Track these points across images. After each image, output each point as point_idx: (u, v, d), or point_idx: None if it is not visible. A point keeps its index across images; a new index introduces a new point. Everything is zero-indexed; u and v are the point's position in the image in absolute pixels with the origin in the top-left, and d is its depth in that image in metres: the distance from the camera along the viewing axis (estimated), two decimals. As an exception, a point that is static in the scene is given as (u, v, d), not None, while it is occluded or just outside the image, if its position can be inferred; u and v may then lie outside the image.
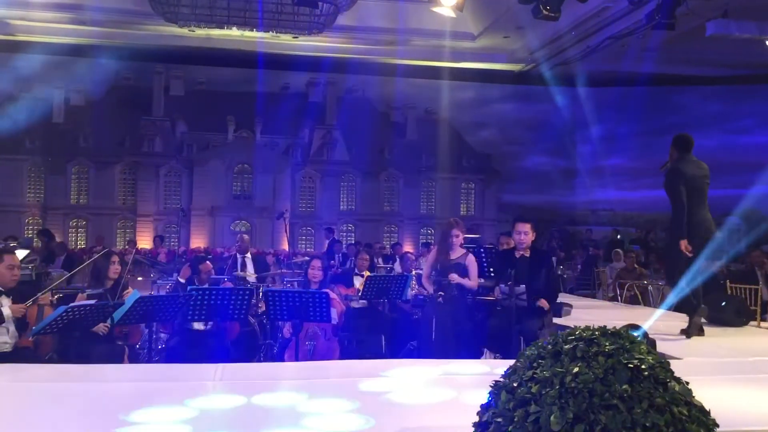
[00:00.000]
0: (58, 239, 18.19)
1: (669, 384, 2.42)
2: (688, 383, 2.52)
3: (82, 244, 19.65)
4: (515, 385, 2.55)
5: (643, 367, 2.41)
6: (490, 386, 2.72)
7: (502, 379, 2.70)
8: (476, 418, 2.78)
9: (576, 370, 2.42)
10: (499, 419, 2.53)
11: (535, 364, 2.57)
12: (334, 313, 6.06)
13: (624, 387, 2.35)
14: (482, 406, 2.73)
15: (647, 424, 2.29)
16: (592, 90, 20.46)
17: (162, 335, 6.86)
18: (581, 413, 2.32)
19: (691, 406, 2.42)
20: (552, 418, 2.34)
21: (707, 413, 2.47)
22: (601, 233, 19.96)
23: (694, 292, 6.25)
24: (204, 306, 5.69)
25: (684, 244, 6.02)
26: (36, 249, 11.71)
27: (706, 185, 6.35)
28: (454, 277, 6.12)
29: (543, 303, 6.08)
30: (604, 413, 2.31)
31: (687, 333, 6.30)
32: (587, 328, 2.64)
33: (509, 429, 2.47)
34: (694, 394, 2.47)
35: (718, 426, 2.48)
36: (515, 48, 17.88)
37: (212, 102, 20.13)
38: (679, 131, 19.27)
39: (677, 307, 6.87)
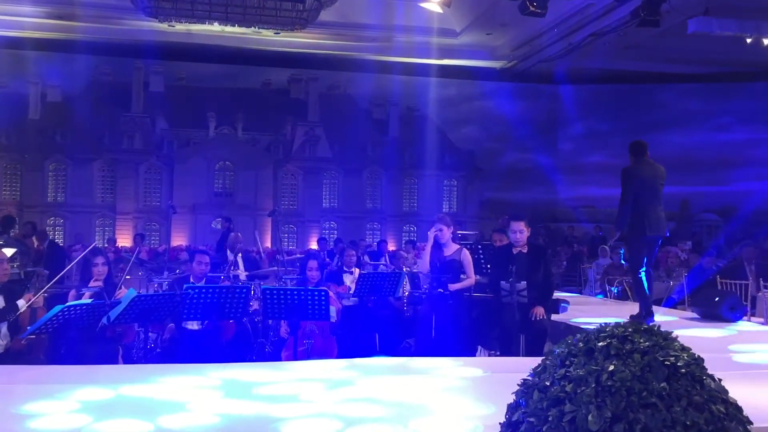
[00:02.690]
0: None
1: (705, 381, 2.39)
2: (721, 380, 2.49)
3: (59, 242, 19.33)
4: (547, 383, 2.50)
5: (679, 364, 2.37)
6: (518, 385, 2.67)
7: (530, 378, 2.65)
8: (495, 418, 2.74)
9: (611, 368, 2.38)
10: (532, 419, 2.48)
11: (567, 362, 2.52)
12: (333, 311, 5.98)
13: (662, 385, 2.31)
14: (510, 405, 2.67)
15: (687, 423, 2.25)
16: (574, 87, 20.59)
17: (151, 335, 6.74)
18: (619, 412, 2.28)
19: (728, 404, 2.39)
20: (589, 417, 2.29)
21: (742, 410, 2.45)
22: (582, 230, 20.08)
23: (639, 281, 6.79)
24: (201, 305, 5.58)
25: (616, 235, 6.84)
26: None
27: (660, 186, 6.80)
28: (454, 287, 6.08)
29: (539, 312, 6.01)
30: (643, 412, 2.27)
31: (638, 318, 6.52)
32: (619, 324, 2.60)
33: (543, 429, 2.42)
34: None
35: (752, 423, 2.45)
36: (498, 45, 17.92)
37: (193, 98, 19.90)
38: (660, 128, 19.40)
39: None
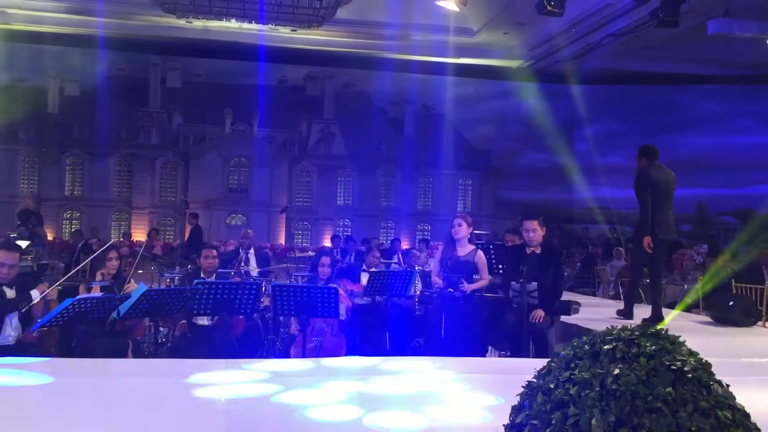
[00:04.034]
0: (50, 231, 18.07)
1: (712, 386, 2.36)
2: (729, 386, 2.46)
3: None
4: (552, 386, 2.47)
5: (686, 369, 2.34)
6: (522, 387, 2.65)
7: (535, 380, 2.63)
8: (499, 419, 2.71)
9: (617, 371, 2.35)
10: (535, 421, 2.45)
11: (572, 365, 2.50)
12: (342, 309, 5.98)
13: (668, 390, 2.28)
14: (514, 407, 2.65)
15: (693, 429, 2.23)
16: (591, 87, 20.41)
17: (162, 329, 6.77)
18: (624, 416, 2.25)
19: (735, 410, 2.35)
20: (593, 421, 2.27)
21: (749, 417, 2.41)
22: (597, 231, 19.93)
23: (658, 288, 7.01)
24: (210, 300, 5.59)
25: (647, 241, 6.65)
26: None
27: (671, 190, 6.93)
28: (468, 287, 6.05)
29: (538, 315, 5.95)
30: (648, 417, 2.24)
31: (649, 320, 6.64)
32: (625, 328, 2.57)
33: (546, 432, 2.40)
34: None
35: (760, 430, 2.42)
36: (515, 44, 17.85)
37: (209, 94, 20.01)
38: (678, 130, 19.25)
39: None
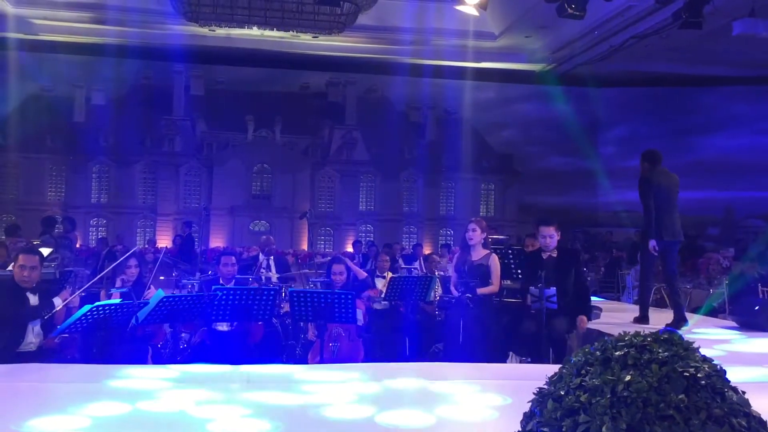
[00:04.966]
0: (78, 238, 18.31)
1: (726, 394, 2.31)
2: (744, 392, 2.41)
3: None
4: (562, 393, 2.44)
5: (699, 375, 2.29)
6: (534, 393, 2.62)
7: (546, 387, 2.60)
8: (510, 426, 2.69)
9: (628, 378, 2.31)
10: (545, 429, 2.42)
11: (583, 372, 2.46)
12: (360, 314, 5.97)
13: (680, 397, 2.24)
14: (525, 414, 2.62)
15: (705, 437, 2.18)
16: (615, 90, 20.25)
17: (183, 335, 6.81)
18: (635, 424, 2.21)
19: (750, 417, 2.30)
20: (604, 429, 2.23)
21: (765, 425, 2.36)
22: (622, 235, 19.70)
23: (675, 290, 7.03)
24: (229, 306, 5.62)
25: (652, 245, 6.79)
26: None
27: (675, 193, 7.06)
28: (480, 291, 6.04)
29: (582, 322, 5.98)
30: (660, 424, 2.20)
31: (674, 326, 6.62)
32: (638, 333, 2.53)
33: (557, 439, 2.37)
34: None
35: (778, 439, 2.36)
36: (537, 48, 17.76)
37: (232, 101, 20.18)
38: (704, 132, 19.10)
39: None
